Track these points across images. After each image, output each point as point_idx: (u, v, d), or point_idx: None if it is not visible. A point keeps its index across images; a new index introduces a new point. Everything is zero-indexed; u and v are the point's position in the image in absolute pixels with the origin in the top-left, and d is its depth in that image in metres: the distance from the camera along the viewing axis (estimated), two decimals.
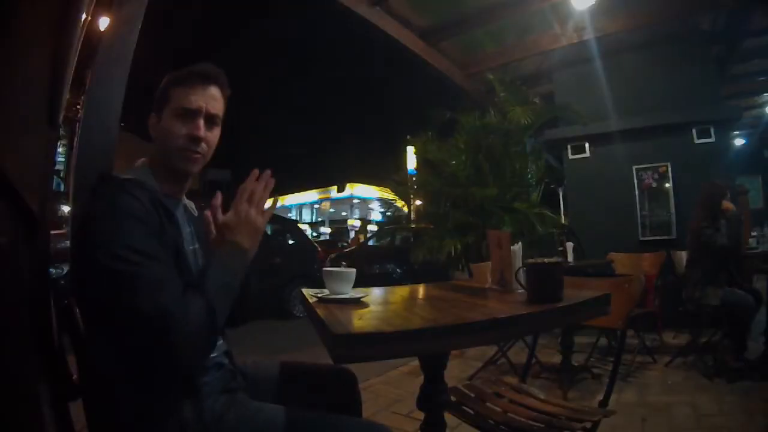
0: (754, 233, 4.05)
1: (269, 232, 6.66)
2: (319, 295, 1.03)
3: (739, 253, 2.87)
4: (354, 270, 1.05)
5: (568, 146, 5.00)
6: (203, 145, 0.93)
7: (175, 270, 0.80)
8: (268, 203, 0.89)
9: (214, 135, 0.96)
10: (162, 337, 0.70)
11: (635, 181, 4.58)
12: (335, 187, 29.02)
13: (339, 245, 15.54)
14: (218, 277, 0.80)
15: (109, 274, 0.72)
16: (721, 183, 2.94)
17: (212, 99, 0.94)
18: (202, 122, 0.92)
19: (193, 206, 1.03)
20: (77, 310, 0.86)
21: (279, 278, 5.71)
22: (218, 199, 0.89)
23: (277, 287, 5.63)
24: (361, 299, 1.01)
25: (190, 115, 0.92)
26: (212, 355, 0.94)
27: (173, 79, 0.94)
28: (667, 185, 4.46)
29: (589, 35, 4.39)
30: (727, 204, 2.81)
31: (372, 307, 0.97)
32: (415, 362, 1.29)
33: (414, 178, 5.96)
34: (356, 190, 28.31)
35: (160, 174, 0.93)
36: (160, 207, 0.85)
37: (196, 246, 0.98)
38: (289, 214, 29.33)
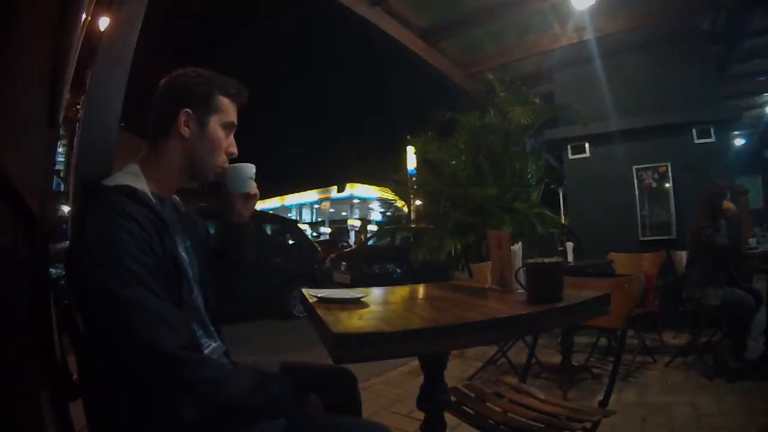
0: (754, 234, 4.06)
1: (269, 232, 6.66)
2: (319, 295, 1.03)
3: (739, 253, 2.87)
4: (252, 165, 1.01)
5: (568, 146, 5.00)
6: None
7: (168, 295, 0.78)
8: None
9: None
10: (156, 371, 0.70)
11: (635, 181, 4.58)
12: (335, 187, 29.04)
13: (339, 245, 15.53)
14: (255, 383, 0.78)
15: (106, 300, 0.71)
16: (721, 183, 2.94)
17: None
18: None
19: (179, 201, 1.00)
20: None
21: (279, 278, 5.71)
22: None
23: (277, 287, 5.63)
24: (361, 299, 1.01)
25: (231, 129, 0.95)
26: (215, 356, 0.94)
27: (222, 86, 0.93)
28: (667, 185, 4.46)
29: (589, 35, 4.39)
30: (727, 204, 2.81)
31: (372, 307, 0.97)
32: (415, 362, 1.29)
33: (414, 178, 5.96)
34: (356, 190, 28.33)
35: (153, 174, 0.89)
36: (154, 216, 0.82)
37: (188, 243, 0.96)
38: (289, 214, 29.35)
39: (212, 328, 0.97)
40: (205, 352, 0.91)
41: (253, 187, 1.01)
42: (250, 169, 0.99)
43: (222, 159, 0.95)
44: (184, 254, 0.92)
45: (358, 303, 0.99)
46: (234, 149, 0.96)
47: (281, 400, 0.80)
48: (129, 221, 0.76)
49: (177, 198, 1.00)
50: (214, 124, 0.92)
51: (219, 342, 0.97)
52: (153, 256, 0.78)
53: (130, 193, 0.81)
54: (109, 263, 0.72)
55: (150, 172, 0.89)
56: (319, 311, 0.86)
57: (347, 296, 1.02)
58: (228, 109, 0.94)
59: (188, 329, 0.81)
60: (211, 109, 0.91)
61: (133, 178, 0.85)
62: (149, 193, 0.85)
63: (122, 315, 0.70)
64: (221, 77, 0.94)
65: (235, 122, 0.96)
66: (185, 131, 0.89)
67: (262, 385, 0.79)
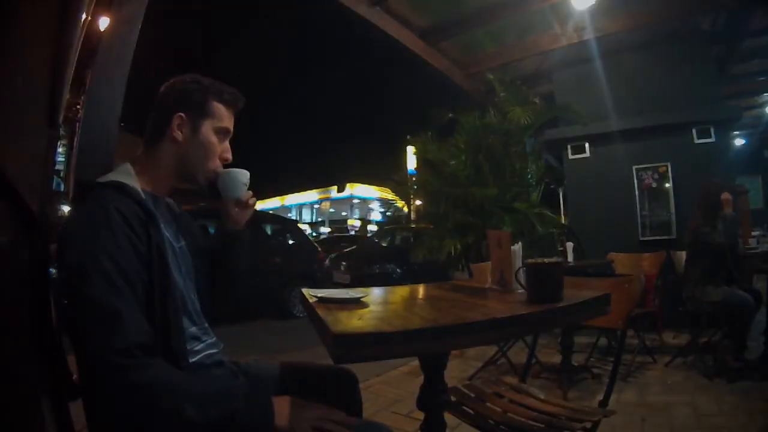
0: (755, 233, 4.05)
1: (269, 232, 6.67)
2: (319, 295, 1.03)
3: (736, 251, 2.86)
4: (246, 171, 0.99)
5: (568, 146, 5.00)
6: None
7: (146, 288, 0.78)
8: None
9: None
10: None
11: (635, 181, 4.58)
12: (335, 187, 29.09)
13: (339, 245, 15.53)
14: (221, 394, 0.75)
15: (76, 294, 0.72)
16: (718, 182, 2.95)
17: None
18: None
19: (173, 202, 1.01)
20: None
21: (279, 278, 5.71)
22: None
23: (277, 287, 5.63)
24: (361, 299, 1.01)
25: (225, 135, 0.96)
26: (212, 351, 0.94)
27: (217, 92, 0.94)
28: (667, 185, 4.46)
29: (589, 35, 4.39)
30: (725, 195, 2.80)
31: (372, 307, 0.97)
32: (415, 362, 1.29)
33: (414, 178, 5.96)
34: (356, 190, 28.38)
35: (146, 173, 0.90)
36: (140, 210, 0.82)
37: (183, 243, 0.96)
38: (289, 214, 29.36)
39: (207, 325, 0.97)
40: (199, 346, 0.91)
41: (246, 194, 0.99)
42: (244, 174, 0.98)
43: (215, 164, 0.94)
44: (178, 249, 0.93)
45: (358, 303, 0.99)
46: (228, 155, 0.96)
47: (241, 417, 0.72)
48: (115, 215, 0.77)
49: (171, 200, 1.01)
50: (207, 129, 0.92)
51: (215, 338, 0.98)
52: (133, 252, 0.77)
53: (118, 186, 0.83)
54: (84, 257, 0.73)
55: (143, 172, 0.90)
56: (319, 311, 0.86)
57: (347, 296, 1.02)
58: (222, 115, 0.94)
59: (147, 333, 0.74)
60: (205, 114, 0.92)
61: (124, 176, 0.86)
62: (139, 189, 0.86)
63: (83, 308, 0.71)
64: (218, 84, 0.95)
65: (230, 129, 0.96)
66: (178, 135, 0.90)
67: (222, 396, 0.74)
